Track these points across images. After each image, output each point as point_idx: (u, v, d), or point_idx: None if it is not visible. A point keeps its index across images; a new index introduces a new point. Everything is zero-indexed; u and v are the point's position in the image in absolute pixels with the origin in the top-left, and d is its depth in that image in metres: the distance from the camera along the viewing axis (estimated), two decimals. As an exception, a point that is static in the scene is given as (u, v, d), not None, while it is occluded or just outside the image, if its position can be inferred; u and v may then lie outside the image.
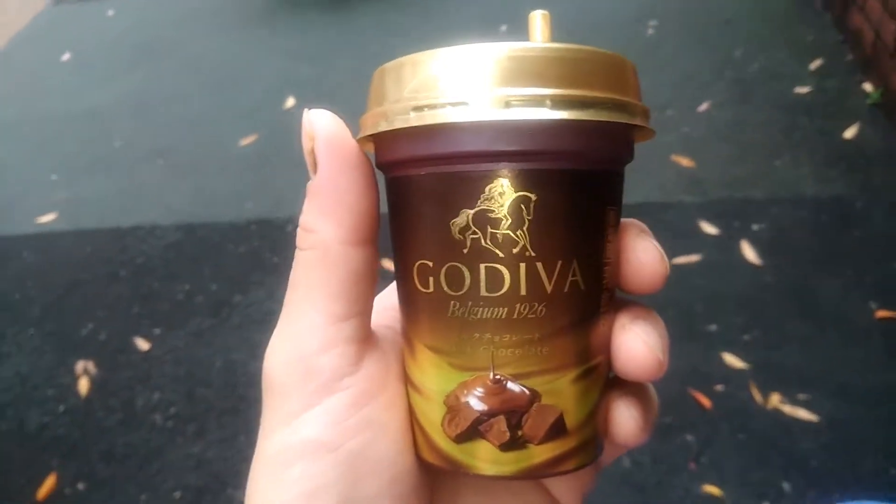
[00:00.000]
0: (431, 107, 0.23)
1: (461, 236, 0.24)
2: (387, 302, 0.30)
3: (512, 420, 0.24)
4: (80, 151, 2.34)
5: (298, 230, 0.26)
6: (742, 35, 2.29)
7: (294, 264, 0.26)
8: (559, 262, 0.24)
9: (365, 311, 0.26)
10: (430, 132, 0.23)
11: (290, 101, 2.39)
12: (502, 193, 0.23)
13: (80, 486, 1.32)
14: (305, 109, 0.25)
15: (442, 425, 0.25)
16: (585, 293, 0.24)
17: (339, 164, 0.24)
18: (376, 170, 0.26)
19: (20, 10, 3.54)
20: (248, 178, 2.07)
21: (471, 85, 0.22)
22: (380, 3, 2.95)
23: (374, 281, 0.26)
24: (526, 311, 0.24)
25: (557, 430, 0.25)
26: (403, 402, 0.27)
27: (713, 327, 1.42)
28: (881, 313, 1.40)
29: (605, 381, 0.26)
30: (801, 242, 1.58)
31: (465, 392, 0.25)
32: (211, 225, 1.91)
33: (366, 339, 0.26)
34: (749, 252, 1.56)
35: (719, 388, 1.32)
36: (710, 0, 2.53)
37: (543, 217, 0.23)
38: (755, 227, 1.62)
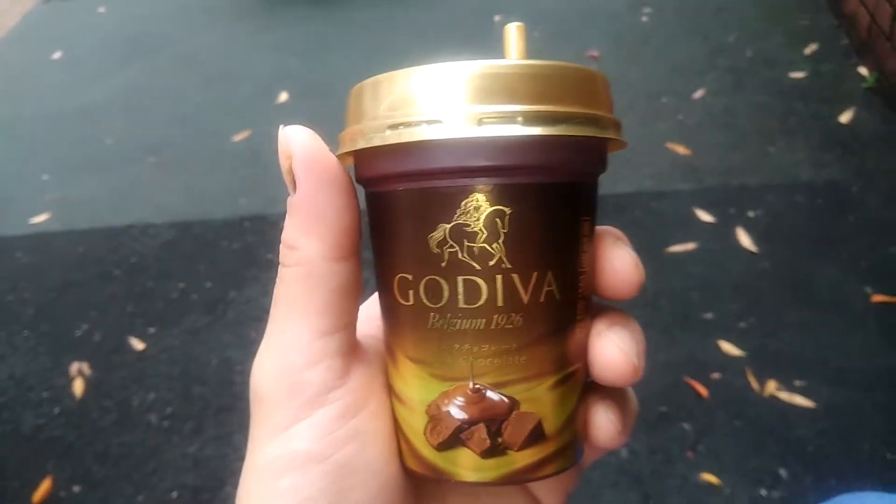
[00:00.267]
0: (407, 125, 0.23)
1: (439, 250, 0.24)
2: (371, 312, 0.30)
3: (492, 428, 0.25)
4: (71, 151, 2.33)
5: (281, 247, 0.26)
6: (736, 21, 2.28)
7: (278, 281, 0.26)
8: (535, 274, 0.24)
9: (350, 323, 0.26)
10: (406, 149, 0.24)
11: (283, 96, 2.38)
12: (478, 208, 0.24)
13: (76, 488, 1.32)
14: (280, 127, 0.25)
15: (424, 434, 0.26)
16: (561, 303, 0.25)
17: (318, 182, 0.24)
18: (356, 183, 0.27)
19: (9, 8, 3.52)
20: (241, 175, 2.06)
21: (445, 103, 0.23)
22: (372, -4, 2.93)
23: (358, 293, 0.26)
24: (503, 322, 0.24)
25: (536, 436, 0.25)
26: (389, 412, 0.27)
27: (709, 315, 1.42)
28: (877, 298, 1.40)
29: (582, 386, 0.27)
30: (796, 228, 1.57)
31: (446, 401, 0.25)
32: (205, 222, 1.90)
33: (352, 351, 0.26)
34: (745, 239, 1.56)
35: (716, 375, 1.31)
36: (704, -14, 2.51)
37: (518, 230, 0.24)
38: (751, 213, 1.62)
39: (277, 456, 0.25)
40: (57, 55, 3.02)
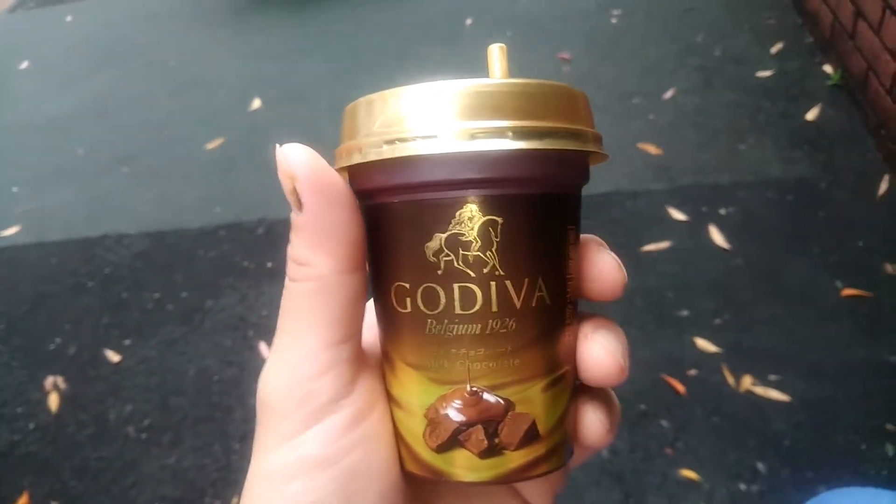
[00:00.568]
0: (403, 140, 0.24)
1: (435, 259, 0.25)
2: (369, 319, 0.31)
3: (489, 429, 0.26)
4: (42, 162, 2.29)
5: (290, 262, 0.26)
6: (704, 21, 2.31)
7: (286, 294, 0.26)
8: (526, 280, 0.25)
9: (358, 332, 0.27)
10: (403, 163, 0.25)
11: (257, 103, 2.36)
12: (471, 218, 0.25)
13: (54, 503, 1.30)
14: (277, 146, 0.25)
15: (423, 437, 0.27)
16: (551, 307, 0.26)
17: (325, 201, 0.25)
18: None
19: (-26, 18, 3.46)
20: (215, 183, 2.04)
21: (438, 119, 0.24)
22: (346, 1, 2.92)
23: (364, 302, 0.27)
24: (498, 327, 0.25)
25: (531, 436, 0.26)
26: None
27: (684, 312, 1.44)
28: (847, 291, 1.42)
29: (572, 388, 0.28)
30: (767, 224, 1.60)
31: (444, 404, 0.26)
32: (180, 231, 1.88)
33: (359, 359, 0.27)
34: (717, 236, 1.58)
35: (692, 372, 1.33)
36: (672, -13, 2.54)
37: (510, 238, 0.25)
38: (722, 211, 1.64)
39: (287, 462, 0.25)
40: (24, 65, 2.98)
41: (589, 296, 0.28)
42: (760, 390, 1.29)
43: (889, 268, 1.45)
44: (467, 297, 0.25)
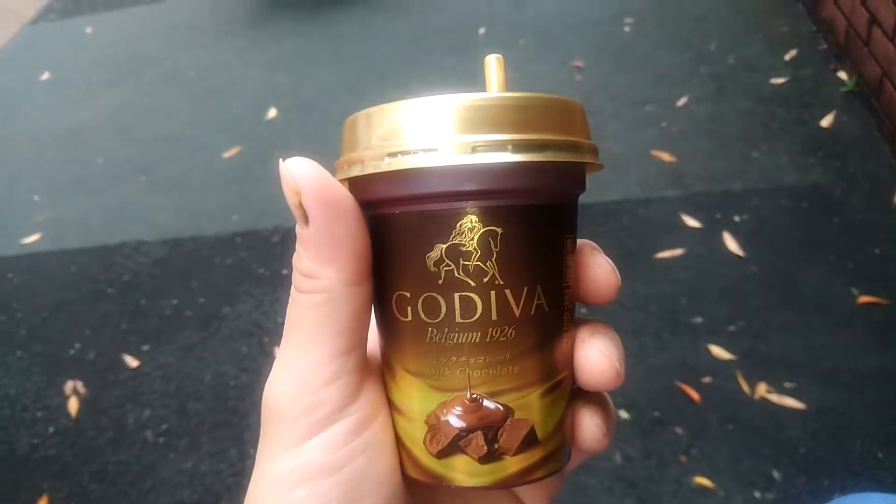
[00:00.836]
0: (405, 153, 0.25)
1: (436, 268, 0.26)
2: (372, 326, 0.31)
3: (488, 435, 0.27)
4: (62, 171, 2.33)
5: (296, 274, 0.26)
6: (716, 29, 2.31)
7: (293, 304, 0.27)
8: (525, 289, 0.26)
9: (363, 341, 0.27)
10: (404, 176, 0.25)
11: (272, 112, 2.39)
12: (472, 229, 0.25)
13: (73, 506, 1.32)
14: (281, 161, 0.25)
15: (424, 443, 0.27)
16: (549, 315, 0.27)
17: (332, 215, 0.25)
18: None
19: (-3, 31, 3.52)
20: (232, 191, 2.07)
21: (439, 132, 0.25)
22: (359, 10, 2.95)
23: (370, 313, 0.28)
24: (497, 335, 0.26)
25: (530, 441, 0.27)
26: None
27: (699, 320, 1.44)
28: (863, 299, 1.42)
29: (570, 393, 0.29)
30: (782, 231, 1.59)
31: (445, 411, 0.27)
32: (197, 239, 1.91)
33: (364, 367, 0.28)
34: (731, 243, 1.58)
35: (707, 380, 1.33)
36: (685, -5, 2.55)
37: (509, 248, 0.26)
38: (737, 218, 1.64)
39: (291, 468, 0.26)
40: (45, 76, 3.03)
41: (584, 299, 0.29)
42: (775, 398, 1.29)
43: (905, 275, 1.45)
44: (467, 306, 0.26)
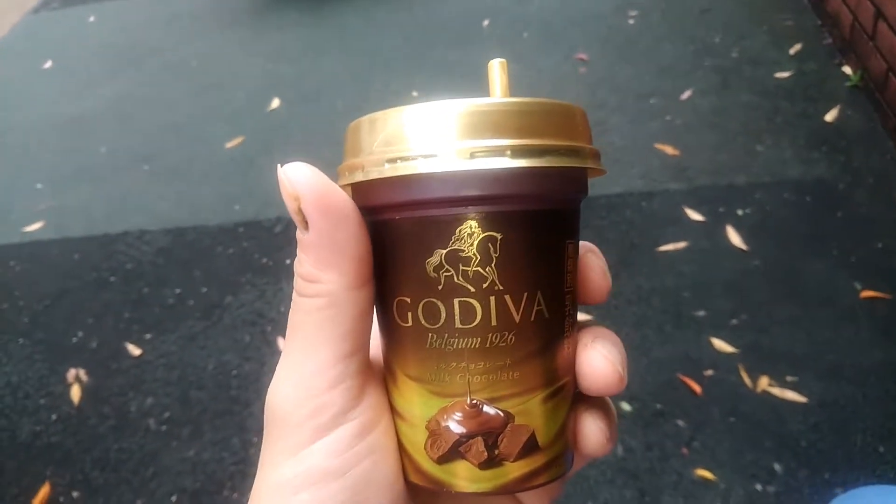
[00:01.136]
0: (404, 159, 0.25)
1: (436, 274, 0.26)
2: (374, 329, 0.31)
3: (489, 440, 0.27)
4: (64, 160, 2.33)
5: (298, 279, 0.26)
6: (721, 22, 2.30)
7: (295, 308, 0.26)
8: (525, 294, 0.26)
9: (366, 344, 0.27)
10: (404, 182, 0.25)
11: (276, 103, 2.38)
12: (471, 234, 0.25)
13: (75, 493, 1.32)
14: (279, 166, 0.25)
15: (425, 448, 0.27)
16: (550, 320, 0.27)
17: (332, 220, 0.25)
18: None
19: (-1, 19, 3.51)
20: (235, 181, 2.06)
21: (438, 138, 0.25)
22: (363, 1, 2.94)
23: (372, 316, 0.28)
24: (497, 340, 0.26)
25: (530, 447, 0.27)
26: None
27: (701, 313, 1.44)
28: (866, 293, 1.42)
29: (571, 399, 0.29)
30: (785, 225, 1.59)
31: (445, 417, 0.27)
32: (199, 228, 1.91)
33: (367, 370, 0.28)
34: (735, 237, 1.58)
35: (709, 373, 1.33)
36: (690, -12, 2.54)
37: (509, 254, 0.26)
38: (740, 212, 1.64)
39: (295, 473, 0.26)
40: (48, 65, 3.02)
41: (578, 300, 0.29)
42: (777, 391, 1.29)
43: (909, 270, 1.44)
44: (467, 311, 0.26)
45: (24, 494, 1.32)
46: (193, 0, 3.29)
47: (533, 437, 0.27)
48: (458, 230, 0.25)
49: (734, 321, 1.41)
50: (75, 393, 1.50)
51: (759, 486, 1.17)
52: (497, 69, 0.28)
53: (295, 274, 0.26)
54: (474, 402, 0.26)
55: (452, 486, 0.27)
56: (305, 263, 0.26)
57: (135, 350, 1.58)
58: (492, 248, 0.25)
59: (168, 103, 2.53)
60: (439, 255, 0.25)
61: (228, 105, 2.45)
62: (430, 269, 0.26)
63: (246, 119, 2.34)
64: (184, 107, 2.49)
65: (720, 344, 1.37)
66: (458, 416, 0.26)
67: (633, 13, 2.45)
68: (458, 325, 0.26)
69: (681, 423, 1.27)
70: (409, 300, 0.26)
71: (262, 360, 1.50)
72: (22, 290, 1.80)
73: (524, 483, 0.27)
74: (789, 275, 1.48)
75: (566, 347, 0.28)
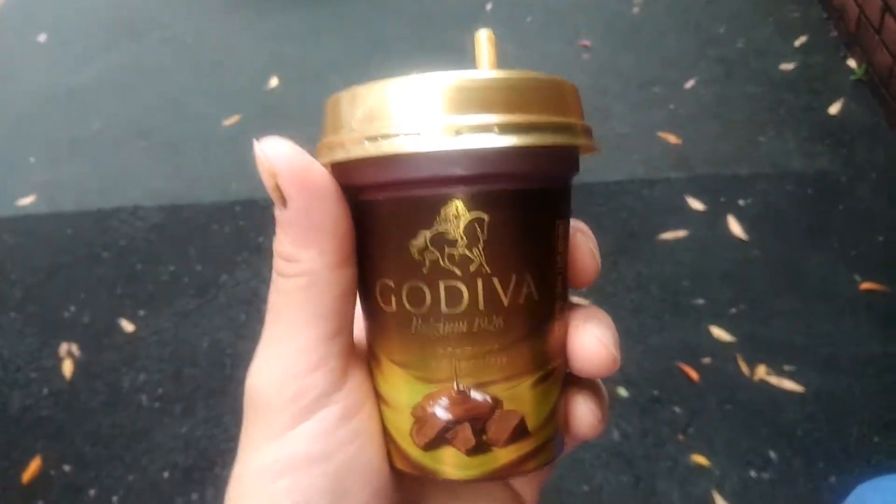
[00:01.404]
0: (386, 136, 0.23)
1: (420, 257, 0.25)
2: (358, 312, 0.30)
3: (476, 426, 0.26)
4: (58, 133, 2.30)
5: (277, 259, 0.25)
6: (726, 13, 2.29)
7: (274, 289, 0.26)
8: (514, 277, 0.25)
9: (349, 325, 0.26)
10: (386, 161, 0.24)
11: (274, 82, 2.36)
12: (457, 215, 0.24)
13: (66, 467, 1.31)
14: (255, 142, 0.24)
15: (410, 435, 0.26)
16: (539, 303, 0.26)
17: (310, 197, 0.24)
18: None
19: (-6, -10, 3.46)
20: (231, 159, 2.04)
21: (422, 114, 0.23)
22: (363, -18, 2.91)
23: (355, 296, 0.27)
24: (485, 324, 0.25)
25: (520, 432, 0.26)
26: None
27: (700, 301, 1.43)
28: (865, 285, 1.42)
29: (562, 382, 0.28)
30: (786, 217, 1.59)
31: (431, 403, 0.26)
32: (195, 206, 1.89)
33: (350, 352, 0.27)
34: (735, 227, 1.57)
35: (706, 360, 1.33)
36: (695, -22, 2.52)
37: (497, 235, 0.24)
38: (741, 202, 1.63)
39: (277, 458, 0.25)
40: (42, 37, 2.98)
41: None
42: (774, 380, 1.29)
43: (908, 263, 1.44)
44: (453, 295, 0.25)
45: (15, 468, 1.31)
46: (192, -24, 3.25)
47: (522, 422, 0.26)
48: (443, 211, 0.24)
49: (733, 310, 1.41)
50: (67, 367, 1.48)
51: (753, 473, 1.17)
52: (484, 40, 0.27)
53: (274, 253, 0.25)
54: (461, 388, 0.25)
55: (439, 473, 0.26)
56: (284, 242, 0.25)
57: (128, 326, 1.56)
58: (479, 230, 0.24)
59: (165, 79, 2.50)
60: (424, 236, 0.24)
61: (227, 83, 2.42)
62: (414, 251, 0.24)
63: (244, 97, 2.31)
64: (181, 83, 2.46)
65: (718, 332, 1.37)
66: (444, 402, 0.26)
67: (639, 1, 2.43)
68: (444, 309, 0.25)
69: (677, 409, 1.26)
70: (392, 284, 0.25)
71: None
72: (14, 264, 1.78)
73: (513, 469, 0.26)
74: (789, 266, 1.48)
75: (556, 330, 0.27)
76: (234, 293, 1.61)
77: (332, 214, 0.24)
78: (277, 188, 0.24)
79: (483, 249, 0.24)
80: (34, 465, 1.31)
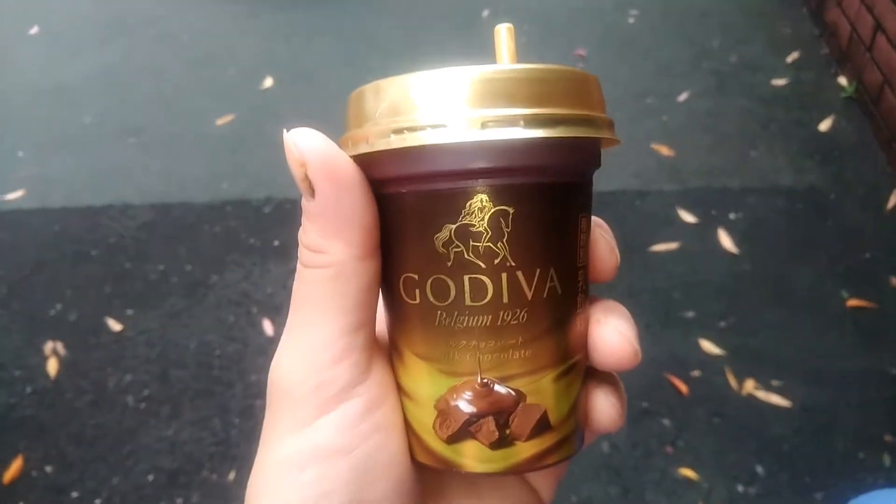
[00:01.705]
0: (411, 129, 0.23)
1: (445, 250, 0.25)
2: (379, 305, 0.30)
3: (500, 420, 0.26)
4: (48, 128, 2.27)
5: (302, 249, 0.25)
6: (720, 27, 2.31)
7: (300, 279, 0.26)
8: (538, 270, 0.25)
9: (372, 318, 0.27)
10: (412, 153, 0.24)
11: (268, 81, 2.35)
12: (482, 208, 0.24)
13: (49, 468, 1.29)
14: (285, 131, 0.24)
15: (433, 428, 0.26)
16: (563, 296, 0.26)
17: (338, 187, 0.24)
18: None
19: (-15, -20, 3.42)
20: (224, 159, 2.03)
21: (448, 107, 0.23)
22: (359, -15, 2.91)
23: (379, 289, 0.27)
24: (509, 318, 0.25)
25: (542, 426, 0.26)
26: None
27: (690, 314, 1.44)
28: (852, 302, 1.43)
29: (583, 376, 0.28)
30: (776, 231, 1.60)
31: (455, 396, 0.26)
32: (185, 205, 1.87)
33: (373, 345, 0.27)
34: (726, 240, 1.58)
35: (696, 373, 1.33)
36: (690, -9, 2.54)
37: (521, 229, 0.25)
38: (732, 215, 1.64)
39: (300, 449, 0.25)
40: (34, 30, 2.95)
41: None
42: (762, 394, 1.29)
43: (895, 280, 1.46)
44: (477, 288, 0.25)
45: (-4, 467, 1.29)
46: (187, -27, 3.22)
47: (545, 416, 0.26)
48: (468, 204, 0.24)
49: (723, 323, 1.41)
50: (52, 366, 1.46)
51: (740, 488, 1.18)
52: (504, 34, 0.27)
53: (300, 244, 0.26)
54: (485, 381, 0.25)
55: (461, 466, 0.26)
56: (311, 233, 0.25)
57: (115, 325, 1.54)
58: (503, 223, 0.24)
59: (158, 76, 2.48)
60: (448, 230, 0.24)
61: (220, 81, 2.40)
62: (438, 244, 0.25)
63: (238, 97, 2.30)
64: (174, 80, 2.44)
65: (708, 345, 1.37)
66: (468, 395, 0.26)
67: (634, 12, 2.45)
68: (468, 302, 0.25)
69: (666, 422, 1.27)
70: (416, 277, 0.25)
71: (245, 342, 1.48)
72: (0, 259, 1.76)
73: (535, 463, 0.26)
74: (778, 280, 1.49)
75: (578, 324, 0.27)
76: (223, 294, 1.59)
77: (358, 207, 0.24)
78: (306, 178, 0.24)
79: (507, 243, 0.24)
80: (16, 466, 1.29)
